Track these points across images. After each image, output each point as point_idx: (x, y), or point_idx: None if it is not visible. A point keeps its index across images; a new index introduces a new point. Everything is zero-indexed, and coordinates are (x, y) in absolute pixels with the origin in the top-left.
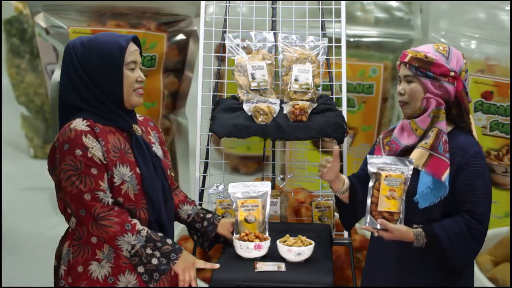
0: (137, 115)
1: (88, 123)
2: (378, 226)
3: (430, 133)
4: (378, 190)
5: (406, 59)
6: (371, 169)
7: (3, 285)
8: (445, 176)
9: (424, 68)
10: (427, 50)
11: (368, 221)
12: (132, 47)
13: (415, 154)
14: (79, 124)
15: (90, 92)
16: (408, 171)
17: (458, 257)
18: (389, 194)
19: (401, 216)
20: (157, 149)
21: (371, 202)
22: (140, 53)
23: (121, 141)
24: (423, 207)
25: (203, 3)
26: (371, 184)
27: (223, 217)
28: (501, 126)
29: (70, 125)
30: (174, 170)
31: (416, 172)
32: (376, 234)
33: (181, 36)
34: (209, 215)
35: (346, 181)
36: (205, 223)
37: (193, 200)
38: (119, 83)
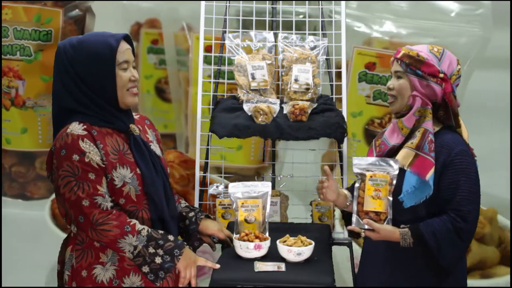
0: (133, 114)
1: (85, 126)
2: (366, 227)
3: (417, 133)
4: (364, 191)
5: (399, 55)
6: (356, 170)
7: (3, 285)
8: (429, 176)
9: (414, 65)
10: (420, 49)
11: (354, 221)
12: (124, 46)
13: (401, 154)
14: (75, 128)
15: (84, 94)
16: (393, 171)
17: (445, 256)
18: (374, 194)
19: (388, 216)
20: (155, 148)
21: (357, 203)
22: (133, 51)
23: (120, 142)
24: (408, 206)
25: (203, 3)
26: (357, 185)
27: (207, 215)
28: (383, 95)
29: (66, 130)
30: None
31: (401, 171)
32: (363, 234)
33: (77, 12)
34: (191, 214)
35: (347, 193)
36: (187, 222)
37: (179, 198)
38: (112, 83)
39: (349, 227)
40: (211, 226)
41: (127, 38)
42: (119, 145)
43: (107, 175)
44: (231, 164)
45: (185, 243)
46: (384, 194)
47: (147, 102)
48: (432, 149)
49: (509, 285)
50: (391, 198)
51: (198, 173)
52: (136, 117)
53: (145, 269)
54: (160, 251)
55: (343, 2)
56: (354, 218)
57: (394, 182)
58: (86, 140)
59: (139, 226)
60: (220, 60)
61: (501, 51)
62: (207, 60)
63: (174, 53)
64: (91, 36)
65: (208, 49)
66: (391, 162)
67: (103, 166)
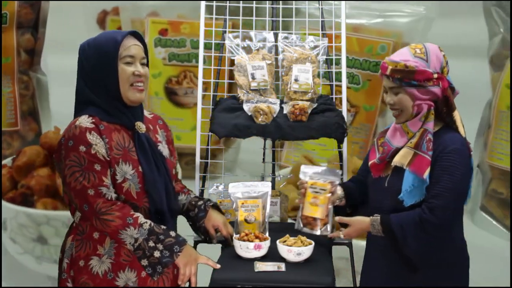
0: (147, 113)
1: (94, 120)
2: (341, 233)
3: (417, 133)
4: (305, 197)
5: (388, 72)
6: (302, 177)
7: (3, 285)
8: (426, 174)
9: (407, 78)
10: (405, 58)
11: (296, 223)
12: (129, 42)
13: (400, 153)
14: (84, 121)
15: (99, 88)
16: (336, 180)
17: (409, 247)
18: (313, 201)
19: (328, 223)
20: (163, 148)
21: (301, 207)
22: (145, 51)
23: (126, 139)
24: (408, 205)
25: (203, 3)
26: (302, 191)
27: (215, 204)
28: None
29: (75, 122)
30: None
31: (401, 171)
32: (341, 235)
33: None
34: (200, 202)
35: (340, 192)
36: (196, 210)
37: (189, 190)
38: (114, 77)
39: (330, 235)
40: (217, 218)
41: (137, 35)
42: (124, 141)
43: (110, 169)
44: (185, 144)
45: (186, 240)
46: (322, 202)
47: None
48: (430, 148)
49: (509, 285)
50: (331, 207)
51: (198, 173)
52: (149, 116)
53: (144, 262)
54: (160, 246)
55: (343, 2)
56: (296, 220)
57: (339, 192)
58: (93, 133)
59: (142, 220)
60: (220, 61)
61: (444, 39)
62: (161, 43)
63: None
64: (103, 34)
65: (162, 32)
66: (336, 172)
67: (108, 159)
